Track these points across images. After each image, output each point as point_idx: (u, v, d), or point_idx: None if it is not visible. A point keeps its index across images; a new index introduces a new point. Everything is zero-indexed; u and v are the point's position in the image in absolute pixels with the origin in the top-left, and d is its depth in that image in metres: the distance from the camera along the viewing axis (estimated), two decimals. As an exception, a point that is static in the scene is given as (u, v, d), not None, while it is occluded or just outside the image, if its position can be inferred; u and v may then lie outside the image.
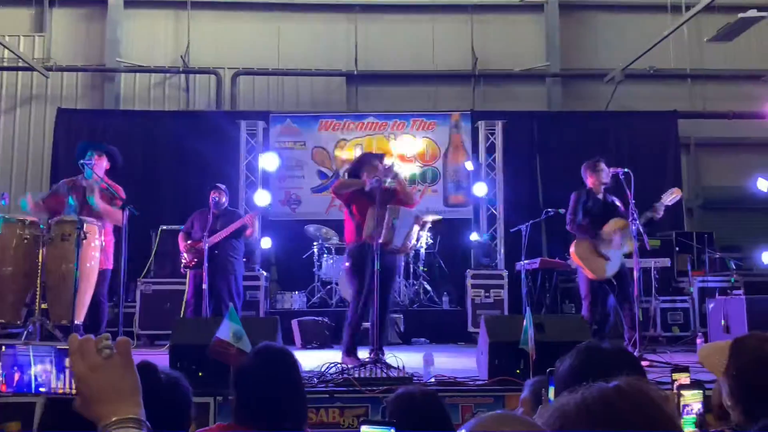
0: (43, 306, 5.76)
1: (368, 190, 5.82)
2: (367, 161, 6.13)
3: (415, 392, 2.62)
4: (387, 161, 6.30)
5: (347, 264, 6.04)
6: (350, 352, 5.79)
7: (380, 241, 5.60)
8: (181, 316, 7.24)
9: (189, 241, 7.21)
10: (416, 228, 6.04)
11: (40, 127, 11.63)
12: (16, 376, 1.19)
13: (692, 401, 2.02)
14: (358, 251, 5.86)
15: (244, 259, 7.74)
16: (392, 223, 5.72)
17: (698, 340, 6.76)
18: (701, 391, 2.02)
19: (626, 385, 1.08)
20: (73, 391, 1.19)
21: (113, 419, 1.15)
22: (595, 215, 6.38)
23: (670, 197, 6.23)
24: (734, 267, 9.11)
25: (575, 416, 1.04)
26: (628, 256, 6.23)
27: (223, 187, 7.44)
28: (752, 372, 1.94)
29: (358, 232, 5.85)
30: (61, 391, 1.20)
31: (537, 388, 2.40)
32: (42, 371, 1.19)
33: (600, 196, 6.46)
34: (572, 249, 6.40)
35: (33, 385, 1.19)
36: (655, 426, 1.03)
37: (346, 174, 6.48)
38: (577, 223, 6.39)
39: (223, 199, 7.33)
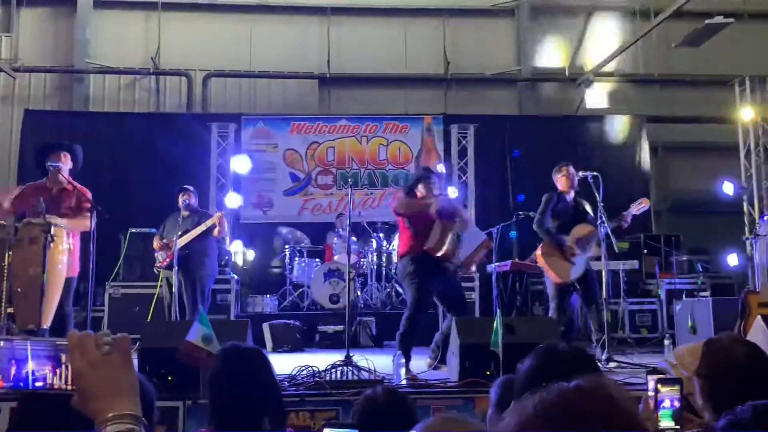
0: (9, 310, 5.66)
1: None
2: (424, 178, 6.12)
3: (380, 394, 2.61)
4: (439, 169, 6.20)
5: (410, 270, 5.86)
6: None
7: (441, 253, 5.64)
8: (149, 317, 7.20)
9: (163, 241, 7.18)
10: (482, 251, 6.14)
11: (7, 129, 11.45)
12: (13, 371, 1.18)
13: (669, 396, 2.05)
14: (421, 259, 5.79)
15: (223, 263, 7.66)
16: (458, 236, 5.76)
17: (666, 342, 6.85)
18: (678, 386, 2.05)
19: (585, 384, 1.05)
20: (70, 387, 1.18)
21: (110, 415, 1.15)
22: (564, 218, 6.43)
23: (638, 207, 6.32)
24: (701, 269, 9.25)
25: (533, 418, 1.03)
26: (597, 259, 6.29)
27: (191, 188, 7.41)
28: (723, 372, 1.98)
29: (418, 241, 5.80)
30: (57, 386, 1.19)
31: (507, 388, 2.41)
32: (39, 366, 1.19)
33: (570, 199, 6.52)
34: (538, 251, 6.45)
35: (30, 380, 1.19)
36: (616, 424, 1.03)
37: (404, 191, 6.33)
38: (544, 226, 6.44)
39: (192, 201, 7.31)
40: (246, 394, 2.47)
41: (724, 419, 1.68)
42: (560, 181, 6.52)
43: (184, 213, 7.16)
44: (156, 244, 7.29)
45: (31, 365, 1.19)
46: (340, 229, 9.43)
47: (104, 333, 1.22)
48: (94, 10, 11.78)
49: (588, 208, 6.52)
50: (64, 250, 5.88)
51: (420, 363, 5.93)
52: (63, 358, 1.19)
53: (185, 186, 7.42)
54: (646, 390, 2.08)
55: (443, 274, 5.88)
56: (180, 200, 7.22)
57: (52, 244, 5.64)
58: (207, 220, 7.15)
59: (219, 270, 8.40)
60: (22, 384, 1.19)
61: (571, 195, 6.52)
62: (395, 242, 9.19)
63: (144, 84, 11.93)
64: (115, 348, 1.20)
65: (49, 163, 6.12)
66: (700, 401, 2.04)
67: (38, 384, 1.19)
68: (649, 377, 2.18)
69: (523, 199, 10.38)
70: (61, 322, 5.98)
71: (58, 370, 1.19)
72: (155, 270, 7.35)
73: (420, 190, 6.02)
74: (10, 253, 5.60)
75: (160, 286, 7.22)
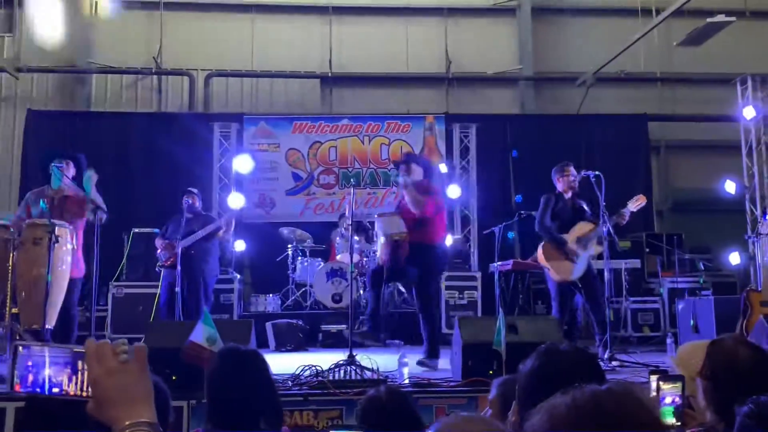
0: (14, 311, 5.68)
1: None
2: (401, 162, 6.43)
3: (383, 393, 2.63)
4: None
5: None
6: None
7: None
8: (152, 317, 7.22)
9: (166, 241, 7.21)
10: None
11: (10, 129, 11.46)
12: (30, 377, 1.20)
13: (671, 393, 2.06)
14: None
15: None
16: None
17: (668, 341, 6.85)
18: (680, 384, 2.06)
19: (617, 387, 1.09)
20: (86, 394, 1.21)
21: (127, 423, 1.17)
22: (563, 219, 6.45)
23: (635, 204, 6.33)
24: (703, 268, 9.26)
25: (565, 418, 1.05)
26: (599, 257, 6.30)
27: (195, 191, 7.45)
28: (727, 374, 1.99)
29: None
30: (73, 393, 1.21)
31: (505, 388, 2.42)
32: (56, 373, 1.21)
33: (569, 199, 6.52)
34: (539, 251, 6.47)
35: (46, 386, 1.21)
36: (645, 425, 1.04)
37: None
38: (545, 226, 6.45)
39: (196, 203, 7.35)
40: (242, 394, 2.50)
41: (745, 407, 1.68)
42: (560, 181, 6.54)
43: (188, 215, 7.19)
44: (158, 242, 7.32)
45: (48, 371, 1.20)
46: (342, 229, 9.44)
47: (121, 342, 1.25)
48: (96, 11, 11.79)
49: (586, 206, 6.53)
50: (68, 251, 5.90)
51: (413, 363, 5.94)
52: (80, 365, 1.21)
53: (189, 188, 7.45)
54: (649, 389, 2.10)
55: (408, 263, 6.03)
56: (183, 202, 7.25)
57: (56, 245, 5.66)
58: (211, 222, 7.19)
59: (221, 270, 8.43)
60: (39, 390, 1.21)
61: (570, 194, 6.53)
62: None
63: (146, 84, 11.94)
64: (132, 357, 1.23)
65: (52, 165, 6.16)
66: (702, 403, 2.05)
67: (55, 390, 1.21)
68: (652, 377, 2.19)
69: (521, 199, 10.40)
70: (67, 322, 6.01)
71: (74, 377, 1.21)
72: (157, 269, 7.38)
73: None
74: (14, 253, 5.62)
75: (161, 285, 7.24)
